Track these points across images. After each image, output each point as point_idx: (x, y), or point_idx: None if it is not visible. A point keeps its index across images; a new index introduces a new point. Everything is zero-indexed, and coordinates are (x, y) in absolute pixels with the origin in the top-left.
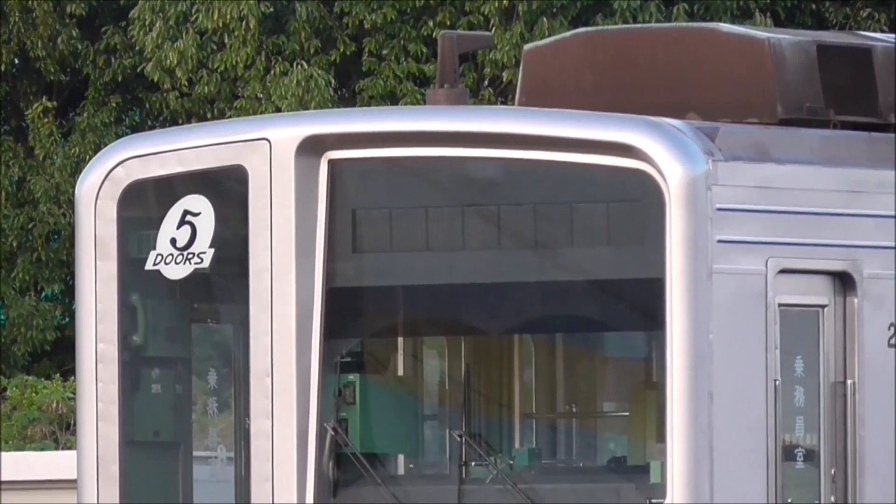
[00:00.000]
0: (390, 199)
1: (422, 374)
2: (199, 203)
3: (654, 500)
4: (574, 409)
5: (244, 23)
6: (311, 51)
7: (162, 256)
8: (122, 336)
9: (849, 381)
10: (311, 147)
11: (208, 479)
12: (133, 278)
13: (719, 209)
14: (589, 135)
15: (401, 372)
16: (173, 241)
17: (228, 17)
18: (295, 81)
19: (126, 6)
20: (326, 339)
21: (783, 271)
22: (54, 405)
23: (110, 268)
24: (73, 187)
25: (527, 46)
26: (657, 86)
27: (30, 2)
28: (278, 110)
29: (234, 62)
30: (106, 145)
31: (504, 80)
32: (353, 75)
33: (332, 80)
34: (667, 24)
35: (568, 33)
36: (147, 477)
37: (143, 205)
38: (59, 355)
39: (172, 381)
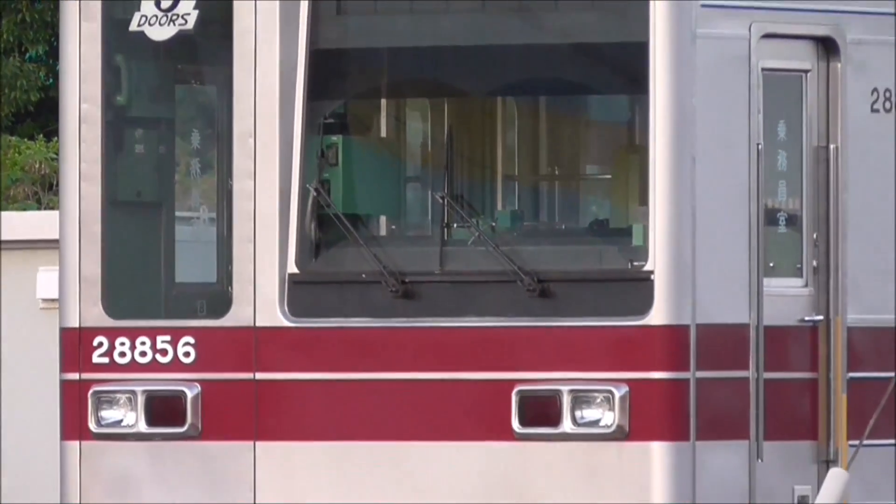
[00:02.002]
0: None
1: (405, 136)
2: None
3: (635, 263)
4: (557, 172)
5: None
6: None
7: (146, 17)
8: (105, 96)
9: (831, 146)
10: None
11: (190, 240)
12: (117, 39)
13: None
14: None
15: (384, 134)
16: (157, 3)
17: None
18: None
19: None
20: (310, 101)
21: (766, 36)
22: (37, 165)
23: (94, 28)
24: None
25: None
26: None
27: None
28: None
29: None
30: None
31: None
32: None
33: None
34: None
35: None
36: (129, 237)
37: None
38: (43, 116)
39: (155, 141)
